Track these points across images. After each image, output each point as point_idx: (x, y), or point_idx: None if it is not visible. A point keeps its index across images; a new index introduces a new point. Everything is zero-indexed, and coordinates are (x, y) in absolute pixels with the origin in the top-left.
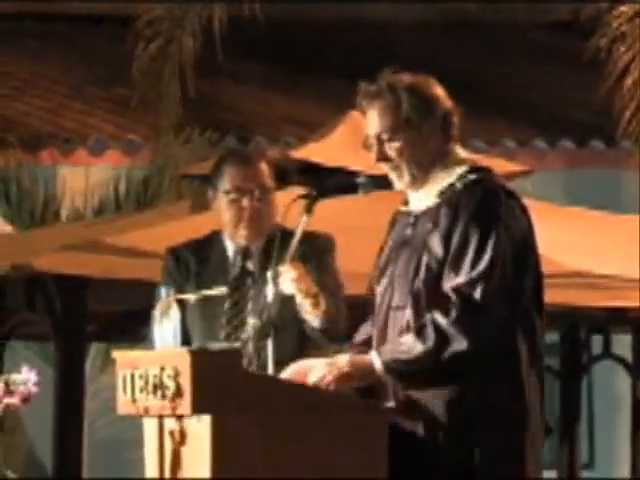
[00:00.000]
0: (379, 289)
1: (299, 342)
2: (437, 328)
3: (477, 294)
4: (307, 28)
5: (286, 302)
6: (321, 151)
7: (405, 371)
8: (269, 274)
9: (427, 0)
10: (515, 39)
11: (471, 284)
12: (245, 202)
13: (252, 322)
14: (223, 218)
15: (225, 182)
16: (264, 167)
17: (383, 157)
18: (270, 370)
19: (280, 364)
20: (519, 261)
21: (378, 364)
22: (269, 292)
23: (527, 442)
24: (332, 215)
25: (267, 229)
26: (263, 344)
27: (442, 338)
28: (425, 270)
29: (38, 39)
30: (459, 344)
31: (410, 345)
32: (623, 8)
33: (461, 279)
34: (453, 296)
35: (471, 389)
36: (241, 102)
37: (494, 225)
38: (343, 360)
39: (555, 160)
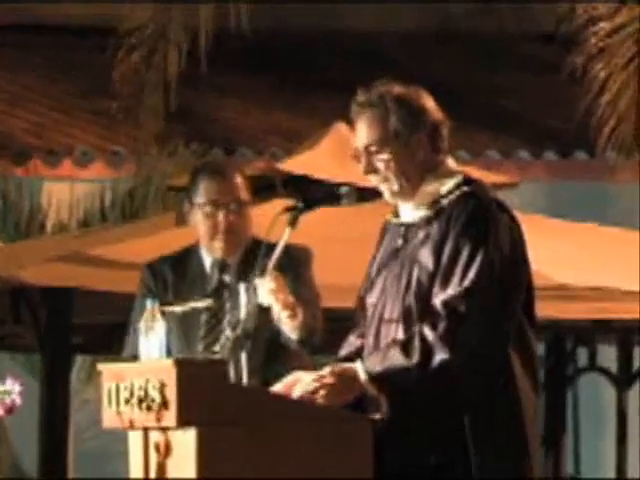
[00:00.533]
0: (370, 301)
1: (268, 352)
2: (423, 341)
3: (465, 307)
4: (294, 39)
5: (258, 313)
6: (307, 163)
7: (390, 382)
8: (242, 286)
9: (417, 1)
10: (500, 50)
11: (459, 297)
12: (220, 216)
13: (226, 334)
14: (199, 231)
15: (200, 195)
16: (240, 180)
17: (371, 169)
18: (245, 381)
19: (252, 374)
20: (509, 275)
21: (363, 375)
22: (242, 304)
23: (526, 461)
24: (314, 226)
25: (243, 242)
26: (238, 355)
27: (427, 351)
28: (416, 284)
29: (21, 51)
30: (444, 357)
31: (396, 357)
32: (600, 25)
33: (450, 292)
34: (441, 309)
35: (464, 404)
36: (227, 114)
37: (484, 239)
38: (328, 372)
39: (539, 171)
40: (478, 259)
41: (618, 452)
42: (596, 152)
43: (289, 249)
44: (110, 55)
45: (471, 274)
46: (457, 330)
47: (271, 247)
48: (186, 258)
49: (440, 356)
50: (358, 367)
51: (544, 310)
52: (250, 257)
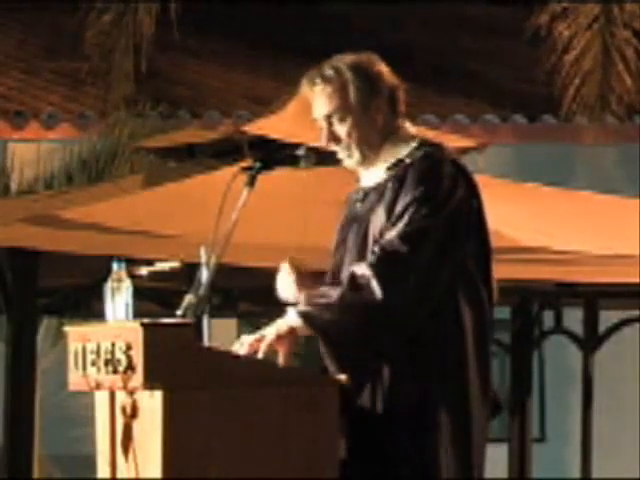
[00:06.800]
0: (336, 263)
1: None
2: (351, 276)
3: (401, 247)
4: (263, 3)
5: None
6: (273, 126)
7: (318, 317)
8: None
9: None
10: (470, 13)
11: (397, 238)
12: None
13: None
14: None
15: None
16: None
17: (333, 138)
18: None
19: None
20: (457, 230)
21: (292, 312)
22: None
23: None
24: (293, 187)
25: None
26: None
27: (354, 284)
28: (372, 242)
29: None
30: (371, 291)
31: (327, 294)
32: None
33: (390, 235)
34: (377, 249)
35: (407, 352)
36: (194, 76)
37: (434, 195)
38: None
39: (507, 135)
40: (423, 211)
41: (584, 414)
42: (563, 115)
43: None
44: (81, 18)
45: (414, 223)
46: (387, 266)
47: None
48: None
49: (365, 289)
50: (290, 310)
51: (510, 273)
52: None
